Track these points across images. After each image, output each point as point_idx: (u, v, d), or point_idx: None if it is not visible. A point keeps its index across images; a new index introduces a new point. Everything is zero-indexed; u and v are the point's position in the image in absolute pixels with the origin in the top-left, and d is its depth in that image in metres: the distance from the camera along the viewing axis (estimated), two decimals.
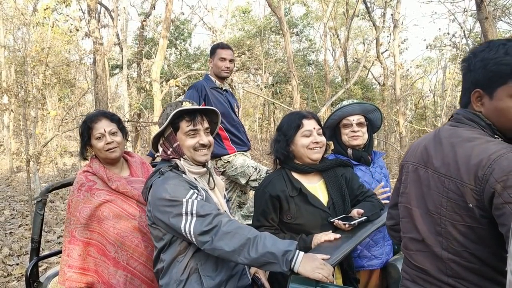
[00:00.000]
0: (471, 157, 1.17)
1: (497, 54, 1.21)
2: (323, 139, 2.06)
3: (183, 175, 1.82)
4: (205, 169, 1.90)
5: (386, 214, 1.72)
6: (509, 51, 1.20)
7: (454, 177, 1.21)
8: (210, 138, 1.90)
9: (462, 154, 1.21)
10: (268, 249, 1.53)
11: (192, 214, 1.64)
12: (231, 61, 3.49)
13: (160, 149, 1.92)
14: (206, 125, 1.89)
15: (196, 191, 1.74)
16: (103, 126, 2.12)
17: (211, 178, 1.91)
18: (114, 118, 2.21)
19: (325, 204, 2.02)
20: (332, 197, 2.04)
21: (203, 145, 1.84)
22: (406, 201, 1.42)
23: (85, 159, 2.22)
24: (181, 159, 1.85)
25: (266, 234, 1.61)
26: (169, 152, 1.88)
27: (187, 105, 1.86)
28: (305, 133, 2.04)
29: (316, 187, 2.07)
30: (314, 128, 2.05)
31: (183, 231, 1.64)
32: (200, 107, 1.89)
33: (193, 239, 1.64)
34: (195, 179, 1.84)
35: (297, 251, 1.56)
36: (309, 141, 2.03)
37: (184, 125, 1.83)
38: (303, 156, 2.04)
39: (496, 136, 1.25)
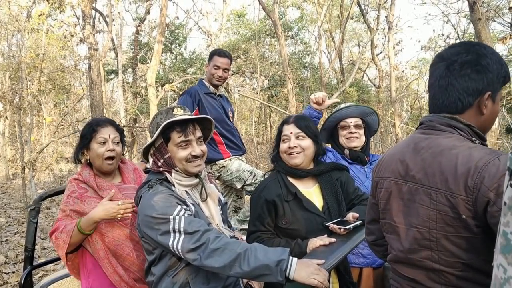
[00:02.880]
0: (457, 166, 1.15)
1: (500, 60, 1.22)
2: (302, 143, 2.02)
3: (173, 187, 1.76)
4: (197, 180, 1.82)
5: None
6: (500, 58, 1.23)
7: (441, 188, 1.17)
8: (203, 148, 1.82)
9: (447, 163, 1.18)
10: (260, 261, 1.50)
11: (180, 231, 1.58)
12: (226, 70, 3.44)
13: (151, 160, 1.84)
14: (198, 134, 1.80)
15: (184, 206, 1.68)
16: (109, 132, 2.09)
17: (203, 189, 1.84)
18: (119, 129, 2.18)
19: (320, 209, 2.01)
20: (327, 202, 2.02)
21: (196, 156, 1.77)
22: (389, 218, 1.38)
23: (77, 162, 2.15)
24: (173, 171, 1.78)
25: (257, 246, 1.58)
26: (159, 164, 1.79)
27: (178, 112, 1.77)
28: (283, 138, 2.06)
29: (311, 191, 2.06)
30: (292, 133, 2.03)
31: (171, 248, 1.60)
32: (192, 116, 1.80)
33: (182, 256, 1.60)
34: (186, 192, 1.78)
35: (290, 258, 1.54)
36: (286, 146, 2.03)
37: (175, 136, 1.74)
38: (286, 161, 2.05)
39: (474, 138, 1.24)
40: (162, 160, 1.78)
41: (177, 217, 1.60)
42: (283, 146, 2.05)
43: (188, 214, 1.65)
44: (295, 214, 1.97)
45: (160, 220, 1.61)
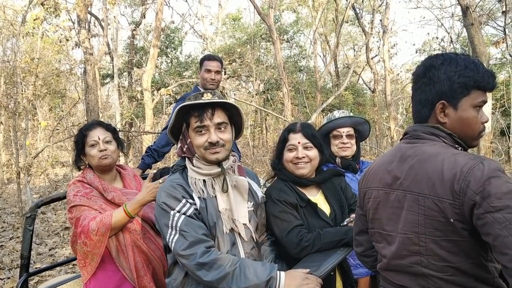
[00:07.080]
0: (443, 171, 1.18)
1: (459, 67, 1.26)
2: (309, 153, 1.98)
3: (189, 177, 1.71)
4: (219, 169, 1.69)
5: None
6: (467, 64, 1.26)
7: (429, 194, 1.21)
8: (224, 135, 1.67)
9: (433, 169, 1.21)
10: (249, 281, 1.51)
11: (176, 229, 1.58)
12: (217, 72, 3.43)
13: (179, 144, 1.79)
14: (217, 120, 1.65)
15: (190, 200, 1.63)
16: (98, 134, 2.12)
17: (225, 180, 1.72)
18: (109, 128, 2.21)
19: (329, 216, 1.99)
20: (334, 209, 2.01)
21: (212, 144, 1.64)
22: (379, 227, 1.41)
23: (79, 169, 2.20)
24: (194, 157, 1.71)
25: (246, 263, 1.57)
26: (184, 149, 1.74)
27: (206, 97, 1.65)
28: (289, 147, 2.01)
29: (317, 199, 2.04)
30: (299, 143, 1.98)
31: (167, 242, 1.60)
32: (209, 100, 1.65)
33: (175, 255, 1.60)
34: (204, 181, 1.69)
35: (278, 274, 1.55)
36: (293, 156, 1.98)
37: (193, 121, 1.66)
38: (291, 170, 2.01)
39: (457, 145, 1.29)
40: (186, 146, 1.73)
41: (177, 214, 1.59)
42: (289, 156, 1.99)
43: (194, 209, 1.63)
44: (308, 223, 1.94)
45: (162, 211, 1.62)
